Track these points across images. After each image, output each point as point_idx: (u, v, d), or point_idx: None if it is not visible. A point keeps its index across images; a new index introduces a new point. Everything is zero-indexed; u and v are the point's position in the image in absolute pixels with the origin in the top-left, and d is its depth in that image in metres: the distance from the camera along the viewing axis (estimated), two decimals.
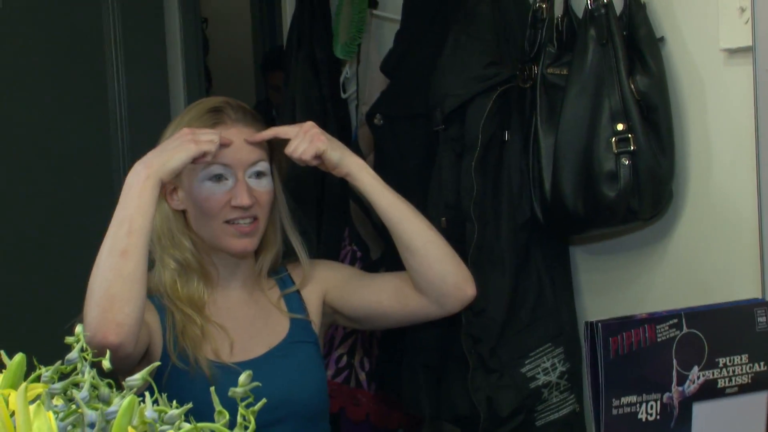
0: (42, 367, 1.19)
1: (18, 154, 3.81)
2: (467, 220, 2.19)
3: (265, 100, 5.30)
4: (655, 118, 2.02)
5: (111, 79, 4.06)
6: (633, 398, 1.43)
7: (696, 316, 1.46)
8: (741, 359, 1.48)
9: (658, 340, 1.44)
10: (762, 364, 1.49)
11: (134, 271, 1.78)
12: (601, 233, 2.23)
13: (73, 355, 1.26)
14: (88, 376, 1.23)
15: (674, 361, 1.45)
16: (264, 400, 1.09)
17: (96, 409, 1.17)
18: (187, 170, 1.97)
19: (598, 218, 2.07)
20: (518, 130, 2.20)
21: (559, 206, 2.09)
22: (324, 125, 2.96)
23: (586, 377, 1.43)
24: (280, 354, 2.05)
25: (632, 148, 2.00)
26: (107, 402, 1.20)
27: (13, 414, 1.11)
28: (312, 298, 2.13)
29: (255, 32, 6.28)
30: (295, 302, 2.12)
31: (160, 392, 1.15)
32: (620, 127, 2.02)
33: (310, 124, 2.05)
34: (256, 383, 1.07)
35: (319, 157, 2.01)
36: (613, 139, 2.01)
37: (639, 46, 2.03)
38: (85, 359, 1.23)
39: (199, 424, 1.03)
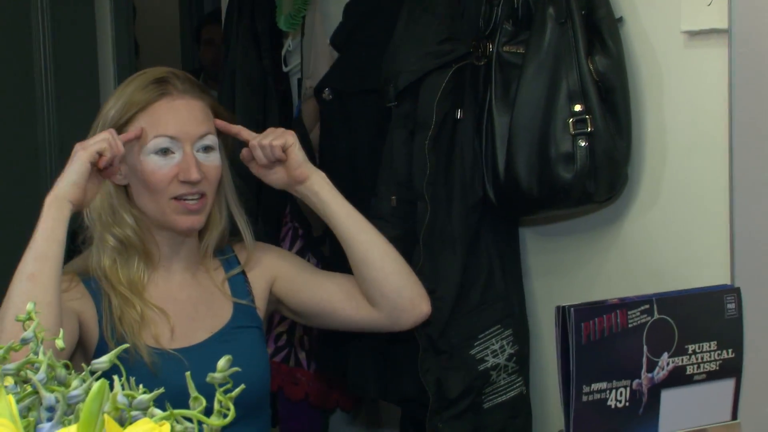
0: None
1: None
2: (419, 200, 2.15)
3: (194, 70, 5.19)
4: (613, 100, 2.00)
5: (37, 48, 3.95)
6: (603, 385, 1.40)
7: (667, 301, 1.44)
8: (710, 346, 1.47)
9: (630, 325, 1.41)
10: (730, 351, 1.48)
11: (43, 296, 1.73)
12: (554, 215, 2.21)
13: (29, 334, 1.20)
14: (44, 356, 1.16)
15: (645, 348, 1.42)
16: (243, 386, 1.04)
17: (53, 391, 1.11)
18: (130, 144, 1.90)
19: (552, 200, 2.05)
20: (471, 109, 2.16)
21: (513, 187, 2.06)
22: (264, 99, 2.91)
23: (557, 363, 1.40)
24: (222, 339, 1.97)
25: (589, 129, 1.98)
26: (64, 384, 1.14)
27: None
28: (259, 282, 2.06)
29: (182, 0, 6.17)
30: (239, 285, 2.05)
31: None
32: (578, 108, 1.99)
33: (281, 130, 2.02)
34: (235, 368, 1.02)
35: (284, 151, 1.97)
36: (571, 120, 1.99)
37: (598, 26, 2.00)
38: (41, 341, 1.17)
39: (176, 411, 0.97)
